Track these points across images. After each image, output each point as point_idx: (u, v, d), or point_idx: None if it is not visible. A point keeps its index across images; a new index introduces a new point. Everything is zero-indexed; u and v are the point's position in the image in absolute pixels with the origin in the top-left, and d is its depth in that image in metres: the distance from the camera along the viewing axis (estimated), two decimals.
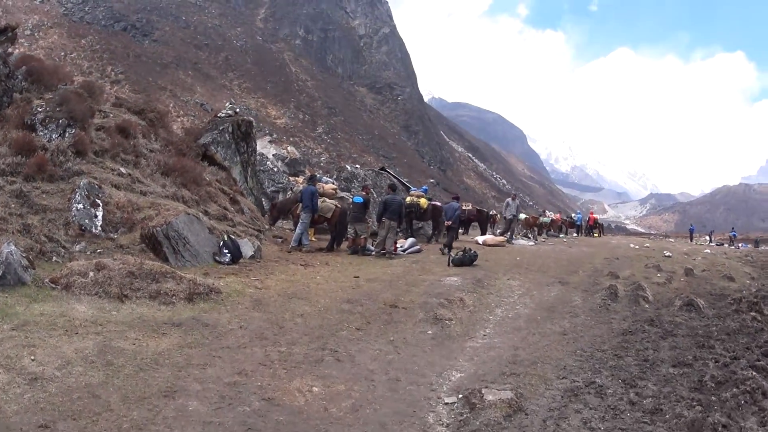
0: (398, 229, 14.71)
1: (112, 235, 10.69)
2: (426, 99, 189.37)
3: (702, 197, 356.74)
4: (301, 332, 6.80)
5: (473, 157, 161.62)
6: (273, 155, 60.35)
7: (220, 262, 11.01)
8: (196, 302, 7.50)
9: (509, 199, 22.46)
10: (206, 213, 13.96)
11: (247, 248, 12.30)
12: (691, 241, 46.16)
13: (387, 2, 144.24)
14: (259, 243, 13.60)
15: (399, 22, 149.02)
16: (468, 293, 9.73)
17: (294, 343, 6.39)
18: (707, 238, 57.04)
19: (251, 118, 20.16)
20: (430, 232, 19.76)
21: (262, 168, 39.36)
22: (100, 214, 10.78)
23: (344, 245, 15.18)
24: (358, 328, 7.19)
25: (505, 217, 22.40)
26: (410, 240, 15.96)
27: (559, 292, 10.95)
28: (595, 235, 37.44)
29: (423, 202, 18.55)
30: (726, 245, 40.84)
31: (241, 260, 11.55)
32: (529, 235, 25.03)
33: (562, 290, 11.21)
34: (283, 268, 11.38)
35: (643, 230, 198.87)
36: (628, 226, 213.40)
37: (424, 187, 20.74)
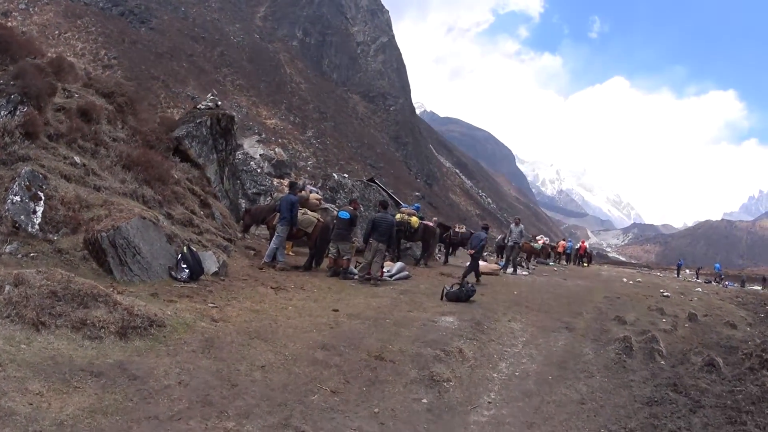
0: (386, 253, 13.10)
1: (51, 236, 9.03)
2: (418, 111, 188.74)
3: (684, 230, 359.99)
4: (258, 395, 5.18)
5: (460, 174, 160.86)
6: (260, 155, 59.37)
7: (176, 279, 9.41)
8: (130, 338, 5.89)
9: (512, 225, 20.99)
10: (169, 216, 12.37)
11: (210, 263, 10.69)
12: (678, 275, 45.13)
13: (388, 12, 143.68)
14: (225, 257, 12.01)
15: (398, 33, 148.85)
16: (467, 341, 8.21)
17: (248, 413, 4.76)
18: (687, 271, 55.82)
19: (233, 113, 18.54)
20: (419, 253, 18.21)
21: (244, 168, 37.97)
22: (40, 209, 9.12)
23: (324, 264, 13.59)
24: (333, 391, 5.59)
25: (506, 244, 20.98)
26: (398, 264, 14.30)
27: (567, 341, 9.52)
28: (585, 264, 36.35)
29: (414, 221, 17.02)
30: (714, 282, 40.08)
31: (203, 277, 9.94)
32: (524, 264, 23.59)
33: (570, 338, 9.78)
34: (250, 290, 9.81)
35: (624, 259, 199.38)
36: (609, 254, 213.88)
37: (416, 205, 19.13)
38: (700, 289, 25.42)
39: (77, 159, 11.28)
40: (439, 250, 22.43)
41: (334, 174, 20.22)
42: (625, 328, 11.46)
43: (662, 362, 9.26)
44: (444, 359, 7.09)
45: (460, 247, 23.02)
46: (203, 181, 16.92)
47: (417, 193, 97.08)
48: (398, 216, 17.24)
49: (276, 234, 13.00)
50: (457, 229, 20.58)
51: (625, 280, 25.33)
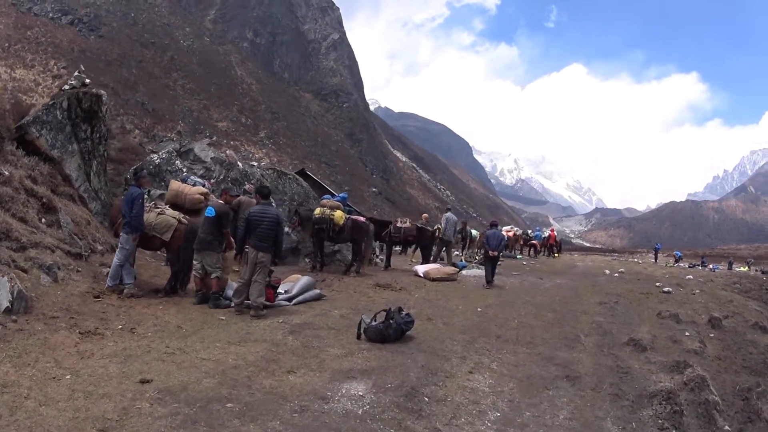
0: (271, 266, 8.45)
1: None
2: (372, 108, 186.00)
3: (648, 212, 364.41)
4: None
5: (417, 168, 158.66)
6: (211, 158, 55.07)
7: None
8: None
9: (449, 214, 17.70)
10: None
11: (2, 295, 6.70)
12: (656, 261, 41.83)
13: (338, 9, 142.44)
14: (23, 286, 7.62)
15: (350, 30, 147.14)
16: None
17: None
18: (653, 255, 51.91)
19: (101, 92, 13.97)
20: (350, 258, 13.79)
21: (168, 168, 32.79)
22: None
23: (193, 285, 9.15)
24: None
25: (441, 238, 17.43)
26: (303, 280, 9.68)
27: (572, 409, 5.33)
28: (555, 255, 32.67)
29: (338, 215, 12.59)
30: (699, 267, 37.48)
31: None
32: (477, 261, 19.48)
33: (576, 401, 5.60)
34: (37, 339, 5.72)
35: (588, 245, 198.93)
36: (573, 240, 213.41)
37: (341, 195, 14.27)
38: (691, 277, 22.97)
39: None
40: (381, 250, 18.17)
41: (238, 162, 15.66)
42: (648, 360, 7.61)
43: (727, 427, 5.63)
44: None
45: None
46: (56, 178, 12.53)
47: (374, 189, 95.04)
48: (318, 210, 12.85)
49: (120, 245, 8.63)
50: (399, 224, 16.05)
51: (607, 272, 21.94)
